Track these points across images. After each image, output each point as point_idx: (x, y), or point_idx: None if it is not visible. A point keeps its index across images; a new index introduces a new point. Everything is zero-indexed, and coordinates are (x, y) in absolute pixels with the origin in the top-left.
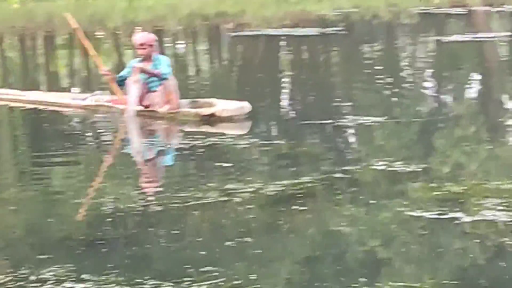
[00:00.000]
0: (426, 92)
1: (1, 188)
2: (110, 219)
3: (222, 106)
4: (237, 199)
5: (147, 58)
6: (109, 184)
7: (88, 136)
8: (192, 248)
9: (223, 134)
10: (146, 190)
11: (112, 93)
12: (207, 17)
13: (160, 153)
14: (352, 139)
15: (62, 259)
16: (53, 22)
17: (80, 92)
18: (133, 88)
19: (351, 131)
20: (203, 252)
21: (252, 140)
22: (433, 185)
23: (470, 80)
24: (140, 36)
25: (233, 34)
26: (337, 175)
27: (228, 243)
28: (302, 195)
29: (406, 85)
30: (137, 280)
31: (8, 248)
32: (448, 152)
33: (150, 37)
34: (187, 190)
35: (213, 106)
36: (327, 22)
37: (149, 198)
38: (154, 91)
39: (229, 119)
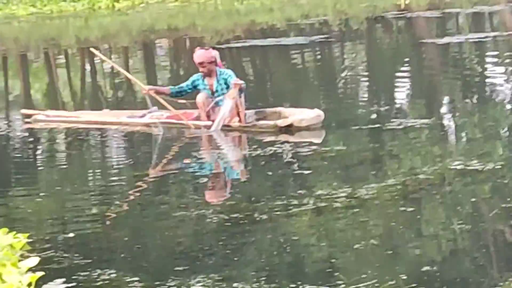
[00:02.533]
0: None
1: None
2: (216, 229)
3: (299, 116)
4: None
5: (209, 74)
6: (212, 196)
7: (180, 152)
8: (315, 254)
9: (304, 142)
10: (249, 199)
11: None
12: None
13: (252, 163)
14: (421, 141)
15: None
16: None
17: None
18: (227, 104)
19: (415, 133)
20: (332, 257)
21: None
22: None
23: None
24: (198, 55)
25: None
26: (422, 176)
27: (357, 246)
28: (399, 196)
29: (424, 86)
30: None
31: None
32: None
33: (208, 54)
34: (288, 197)
35: (282, 115)
36: (295, 30)
37: (253, 206)
38: (220, 106)
39: (307, 128)
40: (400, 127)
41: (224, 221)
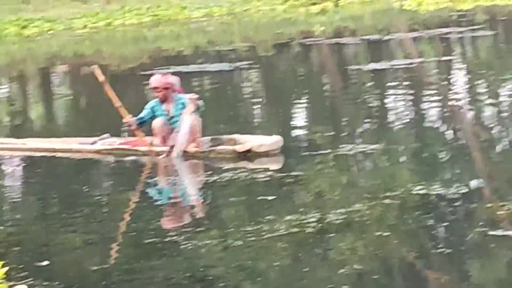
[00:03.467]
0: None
1: None
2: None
3: (258, 141)
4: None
5: (165, 99)
6: (180, 223)
7: (135, 179)
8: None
9: (261, 168)
10: (220, 225)
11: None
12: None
13: (215, 190)
14: (370, 168)
15: None
16: None
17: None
18: (186, 120)
19: (364, 158)
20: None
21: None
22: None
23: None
24: (153, 80)
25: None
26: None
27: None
28: (369, 220)
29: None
30: None
31: None
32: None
33: (163, 80)
34: (257, 223)
35: (238, 142)
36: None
37: (224, 232)
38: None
39: (265, 154)
40: (351, 152)
41: (198, 248)
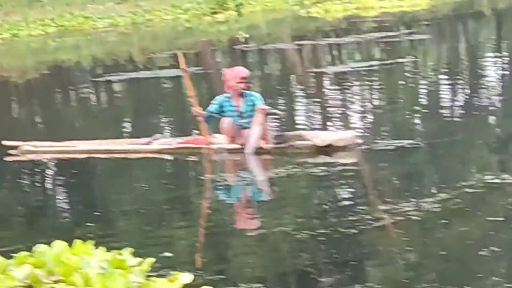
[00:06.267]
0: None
1: None
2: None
3: (337, 136)
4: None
5: (241, 93)
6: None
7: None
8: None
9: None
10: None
11: (201, 134)
12: None
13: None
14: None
15: None
16: None
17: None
18: (255, 130)
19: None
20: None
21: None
22: None
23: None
24: (241, 70)
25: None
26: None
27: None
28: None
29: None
30: None
31: None
32: None
33: (248, 72)
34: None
35: (304, 138)
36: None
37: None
38: (245, 128)
39: (343, 149)
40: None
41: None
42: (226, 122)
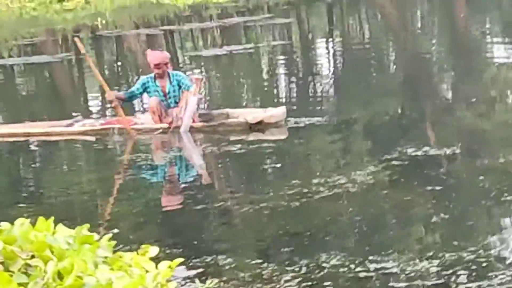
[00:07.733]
0: None
1: None
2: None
3: (269, 113)
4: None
5: (162, 75)
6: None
7: (141, 157)
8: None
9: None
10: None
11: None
12: None
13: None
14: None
15: None
16: None
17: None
18: (192, 101)
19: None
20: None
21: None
22: None
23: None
24: (155, 56)
25: None
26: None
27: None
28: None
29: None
30: None
31: None
32: None
33: (163, 55)
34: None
35: (231, 115)
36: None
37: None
38: (173, 107)
39: (275, 125)
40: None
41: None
42: (152, 101)
